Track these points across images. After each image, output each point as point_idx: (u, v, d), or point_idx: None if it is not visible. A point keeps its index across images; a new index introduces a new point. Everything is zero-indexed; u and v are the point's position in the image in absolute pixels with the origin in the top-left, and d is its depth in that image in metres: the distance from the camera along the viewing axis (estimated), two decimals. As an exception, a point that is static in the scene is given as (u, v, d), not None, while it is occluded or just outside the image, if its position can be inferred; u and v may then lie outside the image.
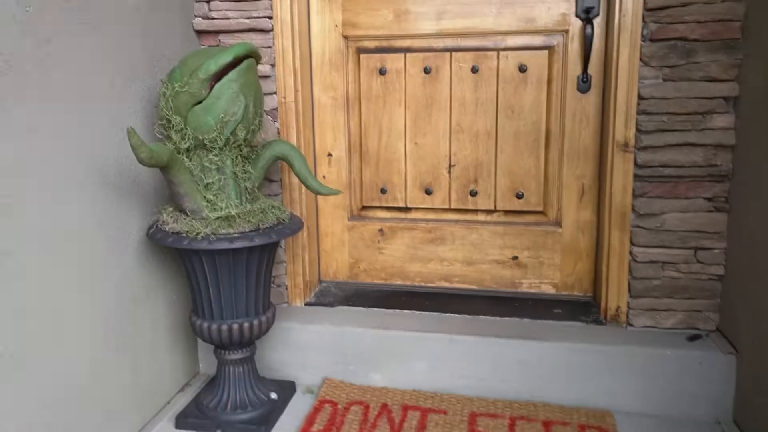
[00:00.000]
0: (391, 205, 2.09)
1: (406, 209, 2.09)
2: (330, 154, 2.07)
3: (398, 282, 2.13)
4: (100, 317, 1.43)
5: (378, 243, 2.11)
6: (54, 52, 1.25)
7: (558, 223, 1.99)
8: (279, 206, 1.62)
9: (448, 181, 2.03)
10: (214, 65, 1.41)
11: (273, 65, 1.87)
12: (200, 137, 1.47)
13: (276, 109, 1.90)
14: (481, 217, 2.05)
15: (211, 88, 1.44)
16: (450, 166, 2.02)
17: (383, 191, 2.08)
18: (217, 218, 1.46)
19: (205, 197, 1.48)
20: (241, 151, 1.54)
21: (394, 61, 1.98)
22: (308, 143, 2.01)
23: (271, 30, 1.84)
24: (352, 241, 2.13)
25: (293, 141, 1.91)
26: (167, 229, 1.48)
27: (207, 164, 1.50)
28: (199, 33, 1.89)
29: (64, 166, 1.29)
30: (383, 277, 2.14)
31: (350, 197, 2.11)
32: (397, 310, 1.97)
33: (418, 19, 1.93)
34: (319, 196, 2.11)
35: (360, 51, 2.00)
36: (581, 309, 1.95)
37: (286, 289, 2.03)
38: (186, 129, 1.47)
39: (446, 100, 1.97)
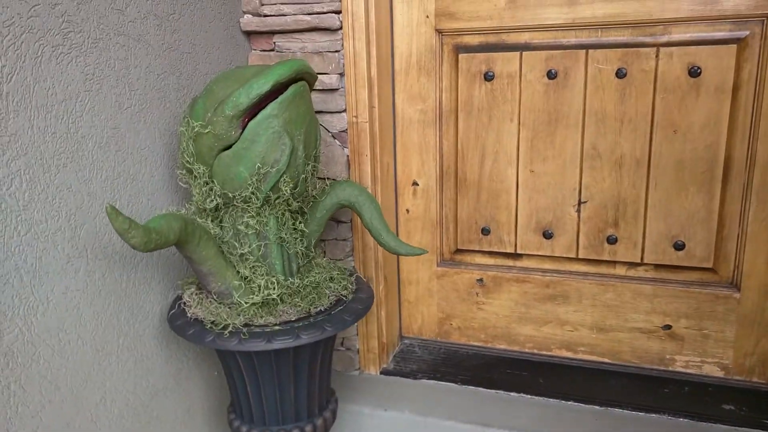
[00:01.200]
0: (494, 249, 1.64)
1: (516, 256, 1.63)
2: (416, 183, 1.64)
3: (502, 346, 1.69)
4: (106, 423, 1.12)
5: (476, 296, 1.68)
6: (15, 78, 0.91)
7: (734, 285, 1.45)
8: (340, 275, 1.23)
9: (575, 223, 1.54)
10: (245, 97, 1.02)
11: (341, 75, 1.46)
12: (230, 194, 1.10)
13: (345, 131, 1.50)
14: (621, 270, 1.55)
15: (244, 127, 1.05)
16: (579, 202, 1.52)
17: (485, 231, 1.63)
18: (253, 305, 1.09)
19: (238, 272, 1.12)
20: (289, 205, 1.16)
21: (505, 63, 1.49)
22: (387, 170, 1.59)
23: (340, 28, 1.42)
24: (443, 292, 1.71)
25: (366, 171, 1.50)
26: (189, 315, 1.13)
27: (242, 228, 1.12)
28: (249, 34, 1.51)
29: (45, 236, 0.96)
30: (482, 339, 1.71)
31: (441, 237, 1.68)
32: (501, 392, 1.53)
33: (541, 5, 1.43)
34: (402, 228, 1.70)
35: (458, 49, 1.54)
36: (765, 406, 1.42)
37: (357, 353, 1.65)
38: (212, 182, 1.10)
39: (577, 114, 1.47)
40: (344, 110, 1.49)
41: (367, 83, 1.45)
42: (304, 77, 1.10)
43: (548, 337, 1.64)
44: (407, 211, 1.68)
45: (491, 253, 1.65)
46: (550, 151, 1.51)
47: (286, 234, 1.16)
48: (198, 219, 1.08)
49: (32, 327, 0.96)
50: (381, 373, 1.66)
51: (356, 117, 1.47)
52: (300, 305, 1.12)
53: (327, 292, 1.18)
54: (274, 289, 1.11)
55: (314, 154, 1.16)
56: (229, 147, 1.07)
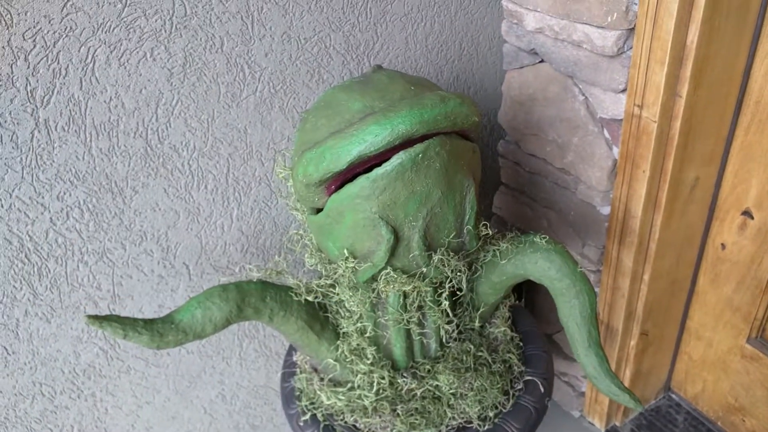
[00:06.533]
0: None
1: None
2: (749, 213, 1.00)
3: (817, 498, 1.10)
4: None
5: (799, 415, 1.07)
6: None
7: None
8: (489, 387, 0.88)
9: None
10: (314, 168, 0.66)
11: (630, 31, 0.87)
12: (325, 263, 0.82)
13: (620, 120, 0.95)
14: None
15: (330, 193, 0.72)
16: None
17: None
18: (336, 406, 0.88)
19: (337, 348, 0.89)
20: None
21: None
22: (694, 186, 1.00)
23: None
24: (744, 378, 1.13)
25: (638, 193, 0.96)
26: (297, 386, 0.96)
27: (345, 299, 0.85)
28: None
29: (123, 261, 0.91)
30: (788, 469, 1.13)
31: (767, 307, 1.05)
32: None
33: None
34: (706, 266, 1.13)
35: None
36: None
37: (582, 395, 1.29)
38: (308, 236, 0.83)
39: None
40: (624, 90, 0.92)
41: (669, 54, 0.84)
42: (443, 132, 0.66)
43: None
44: (722, 246, 1.07)
45: None
46: None
47: (416, 320, 0.84)
48: (279, 284, 0.85)
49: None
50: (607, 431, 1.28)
51: (639, 107, 0.90)
52: (396, 424, 0.85)
53: (449, 412, 0.86)
54: (371, 390, 0.85)
55: (451, 240, 0.75)
56: (318, 210, 0.76)
